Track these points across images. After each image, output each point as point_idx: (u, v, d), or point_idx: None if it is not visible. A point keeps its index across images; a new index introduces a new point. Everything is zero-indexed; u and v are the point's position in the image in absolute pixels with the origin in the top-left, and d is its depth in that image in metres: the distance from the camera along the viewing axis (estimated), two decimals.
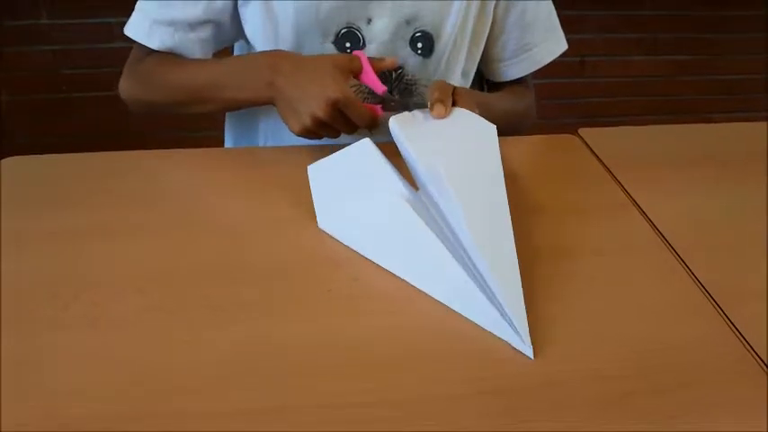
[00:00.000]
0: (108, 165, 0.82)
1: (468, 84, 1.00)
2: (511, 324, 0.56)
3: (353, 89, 0.87)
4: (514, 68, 1.00)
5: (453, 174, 0.63)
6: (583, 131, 0.92)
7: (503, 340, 0.56)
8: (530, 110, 1.05)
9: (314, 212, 0.70)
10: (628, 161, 0.85)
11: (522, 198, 0.74)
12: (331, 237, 0.68)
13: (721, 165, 0.86)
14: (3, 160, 0.80)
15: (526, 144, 0.94)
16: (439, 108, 0.74)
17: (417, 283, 0.61)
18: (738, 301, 0.61)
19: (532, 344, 0.55)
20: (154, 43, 0.87)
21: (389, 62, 0.83)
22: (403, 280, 0.62)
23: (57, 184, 0.77)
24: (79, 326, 0.56)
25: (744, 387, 0.53)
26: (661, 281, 0.64)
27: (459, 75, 0.96)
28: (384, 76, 0.91)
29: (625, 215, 0.75)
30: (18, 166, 0.81)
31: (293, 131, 0.77)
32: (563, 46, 1.00)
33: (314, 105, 0.74)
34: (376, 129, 0.79)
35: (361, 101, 0.81)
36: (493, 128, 0.74)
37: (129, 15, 0.89)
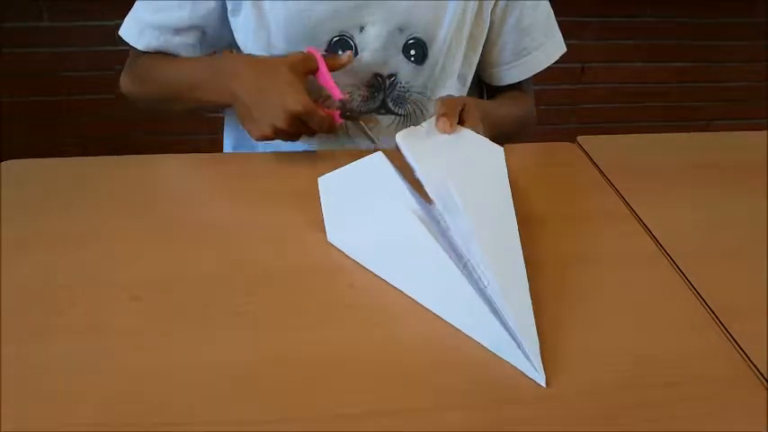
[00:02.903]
0: (107, 169, 0.82)
1: (465, 89, 1.00)
2: (523, 351, 0.55)
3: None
4: (513, 72, 1.00)
5: (463, 192, 0.63)
6: (582, 139, 0.92)
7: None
8: (530, 115, 1.05)
9: (313, 219, 0.70)
10: (627, 170, 0.85)
11: (520, 207, 0.73)
12: (332, 245, 0.68)
13: (722, 175, 0.86)
14: (1, 164, 0.80)
15: (525, 152, 0.94)
16: (444, 123, 0.74)
17: (428, 304, 0.60)
18: (738, 313, 0.61)
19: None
20: (141, 44, 0.91)
21: (345, 59, 0.83)
22: (397, 288, 0.62)
23: (55, 189, 0.77)
24: (75, 332, 0.56)
25: (743, 400, 0.52)
26: (659, 292, 0.64)
27: (456, 80, 0.96)
28: (377, 83, 0.91)
29: (624, 225, 0.74)
30: (16, 169, 0.80)
31: (252, 137, 0.79)
32: (561, 49, 1.00)
33: (274, 116, 0.75)
34: (334, 133, 0.82)
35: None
36: (500, 150, 0.73)
37: None
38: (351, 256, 0.66)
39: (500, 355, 0.56)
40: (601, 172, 0.85)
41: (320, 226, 0.69)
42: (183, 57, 0.92)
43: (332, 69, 0.81)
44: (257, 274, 0.64)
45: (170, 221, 0.72)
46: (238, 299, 0.60)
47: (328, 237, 0.68)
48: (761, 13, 2.23)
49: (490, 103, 1.02)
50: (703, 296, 0.63)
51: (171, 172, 0.83)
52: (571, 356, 0.55)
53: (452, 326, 0.58)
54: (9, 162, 0.81)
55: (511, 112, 0.98)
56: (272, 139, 0.78)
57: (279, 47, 0.88)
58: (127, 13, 0.92)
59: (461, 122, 0.78)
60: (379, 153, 0.70)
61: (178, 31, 0.89)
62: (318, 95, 0.85)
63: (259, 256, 0.66)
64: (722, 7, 2.20)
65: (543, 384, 0.53)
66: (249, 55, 0.85)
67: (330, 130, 0.78)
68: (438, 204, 0.65)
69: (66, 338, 0.55)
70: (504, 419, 0.50)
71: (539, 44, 0.97)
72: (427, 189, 0.67)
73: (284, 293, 0.61)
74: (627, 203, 0.78)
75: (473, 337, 0.57)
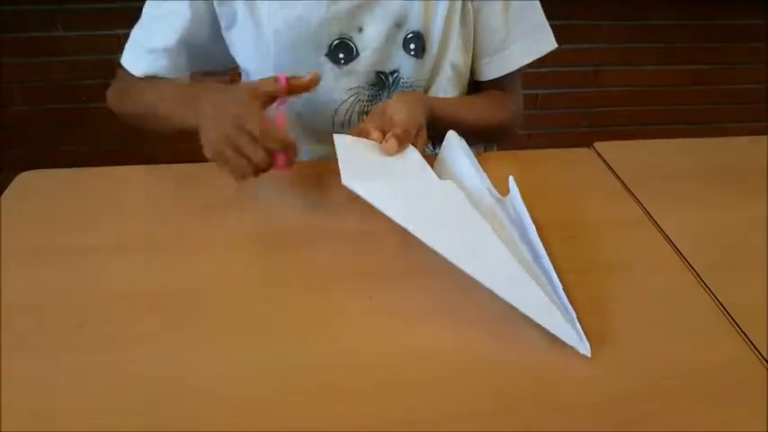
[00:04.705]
0: (123, 179, 0.82)
1: (462, 79, 0.98)
2: (569, 318, 0.56)
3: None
4: (489, 68, 0.98)
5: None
6: (598, 145, 0.92)
7: (515, 363, 0.55)
8: (509, 121, 1.01)
9: (329, 228, 0.70)
10: (644, 175, 0.84)
11: (537, 213, 0.73)
12: (347, 256, 0.67)
13: (739, 179, 0.85)
14: (18, 175, 0.81)
15: (541, 158, 0.93)
16: (392, 145, 0.73)
17: (467, 268, 0.58)
18: (757, 319, 0.60)
19: (543, 360, 0.55)
20: (138, 70, 0.91)
21: (307, 81, 0.78)
22: (420, 298, 0.62)
23: (71, 199, 0.78)
24: (94, 344, 0.56)
25: (763, 405, 0.52)
26: (678, 298, 0.64)
27: (450, 70, 0.95)
28: (380, 81, 0.91)
29: (641, 231, 0.74)
30: (33, 180, 0.81)
31: (206, 155, 0.74)
32: (543, 48, 0.96)
33: (218, 123, 0.72)
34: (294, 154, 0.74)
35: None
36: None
37: None
38: (368, 199, 0.62)
39: (542, 323, 0.56)
40: (618, 178, 0.84)
41: (337, 234, 0.69)
42: (166, 80, 0.91)
43: (294, 92, 0.77)
44: (274, 284, 0.64)
45: (185, 231, 0.72)
46: (255, 308, 0.60)
47: (343, 180, 0.63)
48: None
49: (454, 107, 0.95)
50: (722, 302, 0.62)
51: (186, 181, 0.83)
52: (587, 364, 0.55)
53: (472, 334, 0.57)
54: (25, 173, 0.82)
55: (478, 117, 0.95)
56: (220, 153, 0.72)
57: (281, 56, 0.88)
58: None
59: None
60: None
61: (168, 51, 0.89)
62: None
63: (275, 266, 0.67)
64: (735, 9, 2.19)
65: (588, 354, 0.55)
66: (217, 83, 0.81)
67: (279, 140, 0.71)
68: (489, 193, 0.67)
69: (84, 348, 0.56)
70: (523, 426, 0.50)
71: (516, 40, 0.95)
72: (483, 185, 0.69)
73: (301, 303, 0.61)
74: (644, 209, 0.77)
75: (510, 301, 0.57)
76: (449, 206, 0.62)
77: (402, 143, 0.74)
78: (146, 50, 0.90)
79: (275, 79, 0.76)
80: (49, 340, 0.57)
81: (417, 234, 0.59)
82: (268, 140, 0.70)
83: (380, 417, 0.50)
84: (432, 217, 0.62)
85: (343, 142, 0.72)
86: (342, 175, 0.63)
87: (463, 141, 0.78)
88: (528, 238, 0.64)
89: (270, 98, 0.76)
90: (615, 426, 0.50)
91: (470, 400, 0.52)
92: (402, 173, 0.69)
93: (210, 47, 0.92)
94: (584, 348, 0.55)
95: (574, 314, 0.57)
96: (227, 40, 0.92)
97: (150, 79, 0.91)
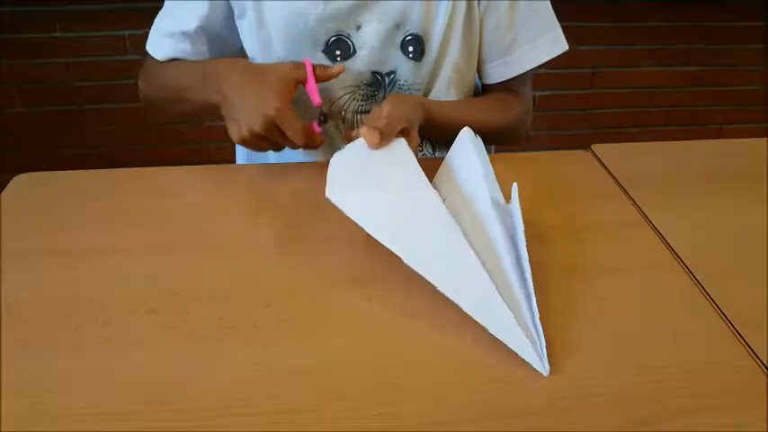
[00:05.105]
0: (119, 181, 0.82)
1: (463, 82, 0.97)
2: (531, 339, 0.55)
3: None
4: (496, 71, 0.97)
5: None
6: (596, 147, 0.92)
7: (513, 365, 0.55)
8: (515, 121, 1.00)
9: (330, 231, 0.69)
10: (641, 178, 0.84)
11: (534, 215, 0.73)
12: (345, 257, 0.67)
13: (738, 183, 0.85)
14: (14, 177, 0.81)
15: (539, 160, 0.93)
16: (373, 135, 0.73)
17: (436, 282, 0.59)
18: (755, 323, 0.60)
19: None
20: (159, 54, 0.94)
21: (335, 70, 0.82)
22: (419, 299, 0.61)
23: (68, 202, 0.78)
24: (92, 346, 0.56)
25: (761, 411, 0.52)
26: (675, 302, 0.64)
27: (452, 72, 0.94)
28: (376, 81, 0.91)
29: (638, 234, 0.74)
30: (29, 182, 0.81)
31: (233, 140, 0.79)
32: (553, 50, 0.95)
33: (251, 119, 0.75)
34: (315, 147, 0.82)
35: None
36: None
37: (141, 28, 0.96)
38: (350, 215, 0.63)
39: (504, 341, 0.56)
40: (615, 180, 0.84)
41: (337, 238, 0.69)
42: (188, 60, 0.93)
43: (321, 80, 0.81)
44: (273, 287, 0.64)
45: (186, 233, 0.72)
46: (254, 311, 0.60)
47: (327, 193, 0.65)
48: None
49: (453, 109, 0.95)
50: (720, 306, 0.62)
51: (184, 184, 0.83)
52: (584, 368, 0.55)
53: (473, 335, 0.57)
54: (22, 175, 0.81)
55: (481, 119, 0.93)
56: (251, 143, 0.78)
57: (279, 48, 0.89)
58: (139, 24, 0.95)
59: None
60: (401, 138, 0.72)
61: (187, 35, 0.91)
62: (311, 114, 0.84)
63: (275, 269, 0.66)
64: (734, 11, 2.19)
65: (545, 374, 0.54)
66: (243, 60, 0.85)
67: (307, 142, 0.78)
68: (491, 199, 0.66)
69: (83, 353, 0.56)
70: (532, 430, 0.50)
71: (523, 44, 0.94)
72: (489, 189, 0.68)
73: (300, 306, 0.61)
74: (641, 211, 0.77)
75: (477, 320, 0.57)
76: (429, 221, 0.62)
77: (384, 136, 0.73)
78: (166, 35, 0.93)
79: (301, 65, 0.79)
80: (47, 342, 0.56)
81: (397, 252, 0.60)
82: (290, 133, 0.76)
83: (380, 418, 0.50)
84: (409, 233, 0.62)
85: (338, 157, 0.73)
86: (327, 189, 0.65)
87: (478, 140, 0.77)
88: (518, 248, 0.63)
89: (296, 85, 0.79)
90: (610, 430, 0.50)
91: (471, 401, 0.52)
92: (391, 182, 0.69)
93: (226, 35, 0.94)
94: (543, 369, 0.54)
95: (541, 331, 0.56)
96: (239, 30, 0.93)
97: (172, 62, 0.93)
